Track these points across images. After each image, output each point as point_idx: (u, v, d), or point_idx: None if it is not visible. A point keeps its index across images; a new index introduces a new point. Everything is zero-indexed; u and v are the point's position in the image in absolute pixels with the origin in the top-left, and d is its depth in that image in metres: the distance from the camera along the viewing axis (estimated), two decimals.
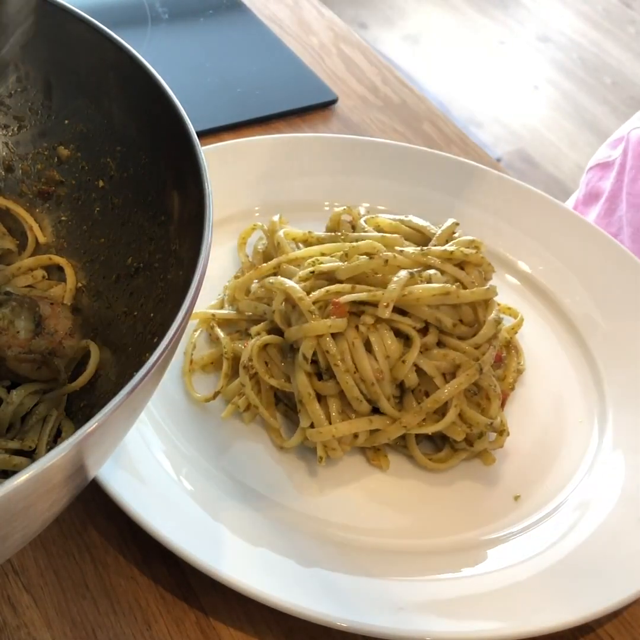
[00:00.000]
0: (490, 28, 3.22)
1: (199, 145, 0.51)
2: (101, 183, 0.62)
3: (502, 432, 0.72)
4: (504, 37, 3.18)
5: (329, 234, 0.80)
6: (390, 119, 1.05)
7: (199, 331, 0.77)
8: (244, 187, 0.88)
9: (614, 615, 0.65)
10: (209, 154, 0.87)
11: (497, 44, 3.15)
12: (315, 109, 1.04)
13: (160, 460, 0.67)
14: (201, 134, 0.95)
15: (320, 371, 0.70)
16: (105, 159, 0.61)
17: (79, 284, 0.63)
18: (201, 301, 0.79)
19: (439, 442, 0.72)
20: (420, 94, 1.10)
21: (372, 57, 1.14)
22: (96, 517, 0.65)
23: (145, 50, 1.05)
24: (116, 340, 0.59)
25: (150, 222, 0.58)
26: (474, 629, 0.61)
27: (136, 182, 0.59)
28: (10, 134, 0.65)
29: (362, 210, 0.83)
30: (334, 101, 1.05)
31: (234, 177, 0.88)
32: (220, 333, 0.75)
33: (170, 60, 1.05)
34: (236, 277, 0.81)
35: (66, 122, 0.63)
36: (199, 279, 0.44)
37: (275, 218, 0.82)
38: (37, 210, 0.66)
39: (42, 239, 0.65)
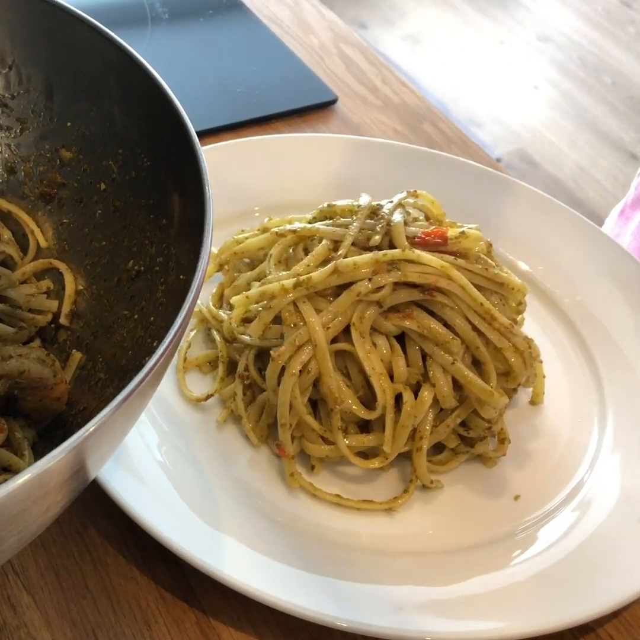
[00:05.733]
0: (490, 28, 3.21)
1: (200, 148, 0.51)
2: (103, 186, 0.62)
3: (503, 440, 0.72)
4: (504, 37, 3.18)
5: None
6: (390, 119, 1.05)
7: (195, 331, 0.77)
8: (244, 187, 0.88)
9: (614, 615, 0.65)
10: (209, 154, 0.87)
11: (497, 44, 3.15)
12: (315, 109, 1.04)
13: (160, 460, 0.67)
14: (201, 134, 0.95)
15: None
16: (107, 161, 0.61)
17: (79, 287, 0.64)
18: (201, 300, 0.79)
19: (439, 444, 0.72)
20: (420, 94, 1.10)
21: (372, 57, 1.14)
22: (96, 517, 0.65)
23: (145, 50, 1.05)
24: (116, 343, 0.59)
25: (151, 225, 0.58)
26: (474, 629, 0.61)
27: (137, 185, 0.59)
28: (12, 136, 0.65)
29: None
30: (334, 101, 1.05)
31: (234, 177, 0.88)
32: (217, 335, 0.75)
33: (170, 60, 1.05)
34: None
35: (68, 124, 0.62)
36: (198, 283, 0.44)
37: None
38: (39, 213, 0.66)
39: (43, 243, 0.65)
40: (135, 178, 0.59)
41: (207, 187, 0.49)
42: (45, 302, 0.64)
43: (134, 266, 0.59)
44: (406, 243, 0.70)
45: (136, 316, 0.58)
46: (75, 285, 0.64)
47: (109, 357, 0.59)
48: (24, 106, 0.64)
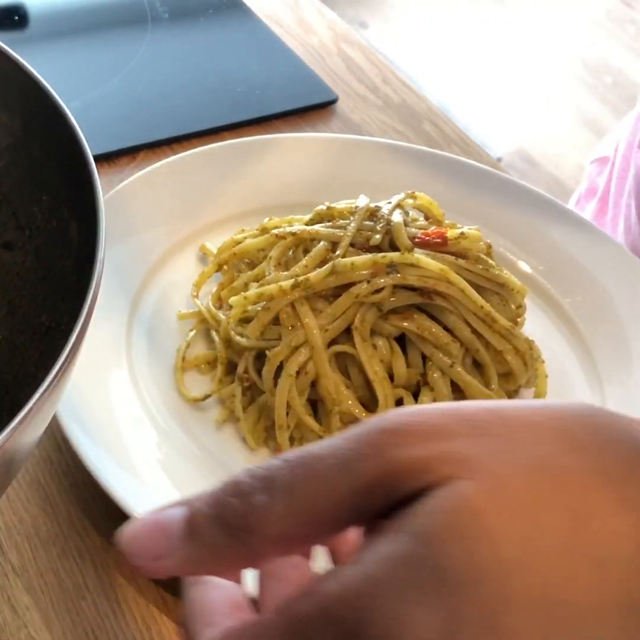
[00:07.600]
0: (490, 28, 3.22)
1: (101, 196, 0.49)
2: (28, 232, 0.59)
3: None
4: (503, 37, 3.18)
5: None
6: (391, 118, 1.05)
7: (194, 331, 0.77)
8: (244, 188, 0.88)
9: None
10: (209, 154, 0.87)
11: (497, 44, 3.15)
12: (316, 108, 1.04)
13: (160, 460, 0.67)
14: (201, 134, 0.95)
15: None
16: (32, 207, 0.58)
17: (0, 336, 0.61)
18: (201, 300, 0.79)
19: None
20: (420, 94, 1.10)
21: (372, 57, 1.14)
22: (96, 518, 0.65)
23: (145, 50, 1.04)
24: (23, 401, 0.57)
25: (65, 279, 0.55)
26: None
27: (56, 236, 0.56)
28: None
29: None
30: (334, 101, 1.05)
31: (234, 177, 0.88)
32: (216, 336, 0.75)
33: (171, 60, 1.05)
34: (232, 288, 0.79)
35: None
36: (72, 344, 0.43)
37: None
38: None
39: None
40: (56, 228, 0.57)
41: (101, 253, 0.46)
42: None
43: (46, 321, 0.57)
44: (408, 242, 0.70)
45: (39, 375, 0.55)
46: None
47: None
48: None
